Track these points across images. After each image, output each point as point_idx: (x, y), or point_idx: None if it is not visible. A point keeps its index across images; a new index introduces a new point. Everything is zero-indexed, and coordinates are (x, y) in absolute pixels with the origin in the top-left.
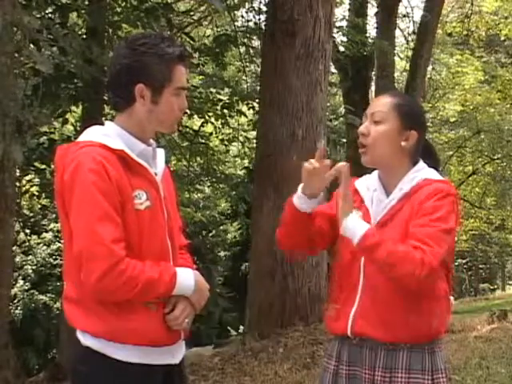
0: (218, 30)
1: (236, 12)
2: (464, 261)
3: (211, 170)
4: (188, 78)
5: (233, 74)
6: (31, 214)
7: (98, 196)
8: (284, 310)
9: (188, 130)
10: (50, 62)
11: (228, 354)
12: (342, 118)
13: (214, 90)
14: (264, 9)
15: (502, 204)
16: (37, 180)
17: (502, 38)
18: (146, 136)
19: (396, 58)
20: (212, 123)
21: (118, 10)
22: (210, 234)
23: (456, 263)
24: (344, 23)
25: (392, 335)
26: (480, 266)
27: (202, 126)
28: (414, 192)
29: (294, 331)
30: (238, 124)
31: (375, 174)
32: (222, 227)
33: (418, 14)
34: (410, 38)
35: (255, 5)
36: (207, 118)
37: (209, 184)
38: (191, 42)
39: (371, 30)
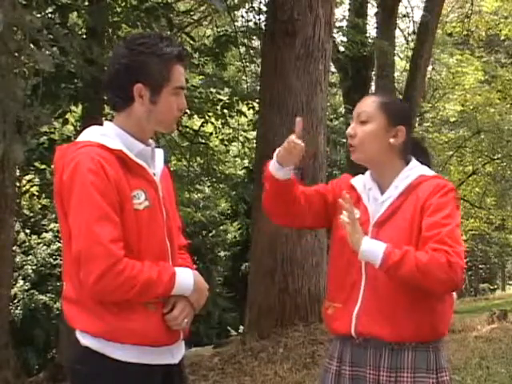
0: (218, 30)
1: (236, 12)
2: (464, 260)
3: (211, 170)
4: (187, 77)
5: (233, 74)
6: (31, 214)
7: (96, 196)
8: (284, 310)
9: (188, 129)
10: (51, 60)
11: (228, 354)
12: (342, 118)
13: (214, 90)
14: (264, 9)
15: (502, 204)
16: (37, 180)
17: (502, 38)
18: (144, 136)
19: (396, 58)
20: (212, 123)
21: (118, 10)
22: (210, 234)
23: None
24: (344, 23)
25: (397, 334)
26: (480, 266)
27: (202, 125)
28: (412, 189)
29: (294, 331)
30: (238, 124)
31: (368, 173)
32: (221, 227)
33: (418, 14)
34: (409, 38)
35: (255, 5)
36: (207, 117)
37: (209, 184)
38: (191, 41)
39: (371, 30)
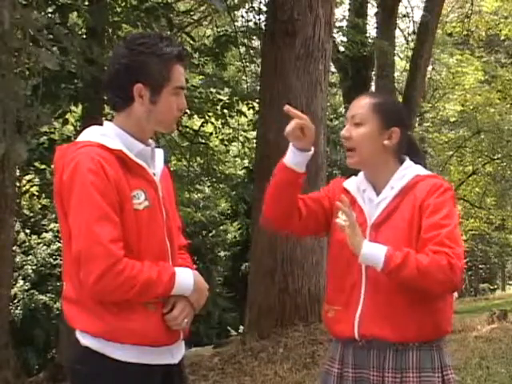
0: (218, 30)
1: (236, 12)
2: (464, 261)
3: (211, 170)
4: (187, 77)
5: (233, 74)
6: (31, 214)
7: (96, 196)
8: (284, 310)
9: (188, 129)
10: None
11: (228, 354)
12: (342, 118)
13: (214, 90)
14: (264, 9)
15: (502, 204)
16: (37, 180)
17: (502, 38)
18: (144, 136)
19: (396, 58)
20: (212, 123)
21: (118, 9)
22: (210, 234)
23: None
24: (344, 23)
25: (400, 335)
26: (480, 266)
27: (202, 125)
28: (408, 189)
29: (294, 331)
30: (238, 124)
31: (361, 174)
32: (221, 227)
33: (418, 14)
34: (409, 38)
35: (255, 5)
36: (207, 117)
37: (209, 184)
38: (191, 41)
39: (371, 30)
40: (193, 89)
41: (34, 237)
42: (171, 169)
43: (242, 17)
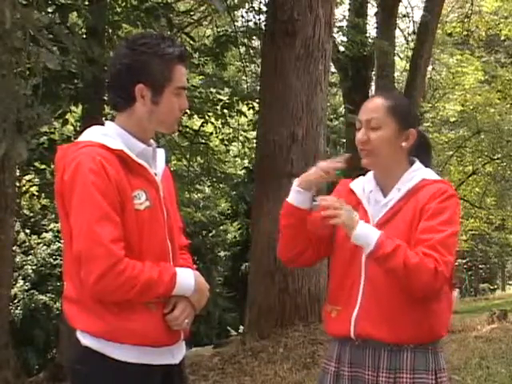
0: (218, 30)
1: (236, 12)
2: (464, 261)
3: (211, 170)
4: (188, 77)
5: (233, 74)
6: (31, 214)
7: (97, 196)
8: (284, 310)
9: (188, 130)
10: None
11: (228, 354)
12: (342, 118)
13: (214, 90)
14: (264, 9)
15: (502, 204)
16: (37, 180)
17: (502, 38)
18: (146, 136)
19: (396, 58)
20: (212, 123)
21: (118, 9)
22: (210, 234)
23: (456, 263)
24: (344, 23)
25: (396, 336)
26: (480, 266)
27: (201, 126)
28: (414, 192)
29: (293, 331)
30: (238, 124)
31: (370, 174)
32: (221, 227)
33: (418, 14)
34: (409, 38)
35: (255, 5)
36: (207, 118)
37: (209, 184)
38: (191, 42)
39: (371, 30)
40: (193, 89)
41: (34, 237)
42: (171, 169)
43: (242, 17)
